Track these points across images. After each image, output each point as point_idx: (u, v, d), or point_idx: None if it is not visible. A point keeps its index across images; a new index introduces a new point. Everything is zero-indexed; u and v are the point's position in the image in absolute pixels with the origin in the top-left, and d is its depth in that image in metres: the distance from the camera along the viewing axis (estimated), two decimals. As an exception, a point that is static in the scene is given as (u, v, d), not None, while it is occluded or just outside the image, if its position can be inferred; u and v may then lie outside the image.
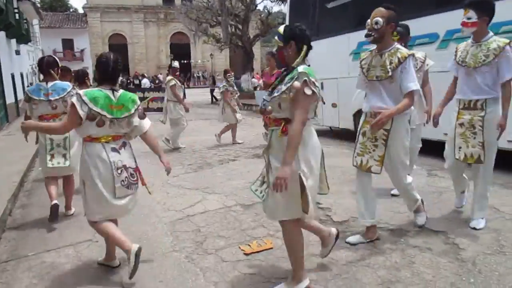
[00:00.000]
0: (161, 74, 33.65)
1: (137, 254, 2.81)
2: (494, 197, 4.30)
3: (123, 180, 2.92)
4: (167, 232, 3.82)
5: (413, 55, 3.21)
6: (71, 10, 52.23)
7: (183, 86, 8.87)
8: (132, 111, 2.95)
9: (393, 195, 4.44)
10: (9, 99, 13.37)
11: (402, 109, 3.09)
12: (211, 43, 26.22)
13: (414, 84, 3.09)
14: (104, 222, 2.97)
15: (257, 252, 3.28)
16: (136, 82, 28.03)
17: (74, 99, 2.82)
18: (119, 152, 2.93)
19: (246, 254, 3.26)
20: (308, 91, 2.40)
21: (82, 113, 2.78)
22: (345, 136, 8.56)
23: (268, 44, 53.27)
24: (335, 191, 4.33)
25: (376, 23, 3.12)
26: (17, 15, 15.44)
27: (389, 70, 3.13)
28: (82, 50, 41.46)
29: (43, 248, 3.61)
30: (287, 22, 10.32)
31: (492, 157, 3.48)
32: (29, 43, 22.05)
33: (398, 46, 3.24)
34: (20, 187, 5.70)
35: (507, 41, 3.29)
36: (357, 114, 7.88)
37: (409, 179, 3.47)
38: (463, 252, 3.10)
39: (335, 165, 5.78)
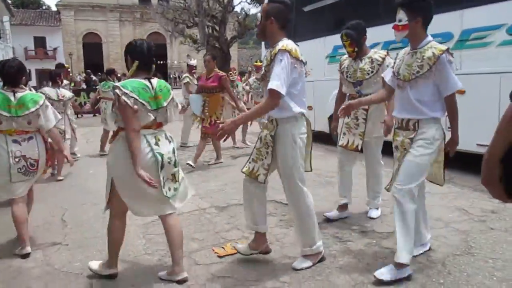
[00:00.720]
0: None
1: None
2: (463, 199, 4.42)
3: (19, 168, 3.40)
4: (140, 235, 3.76)
5: (289, 53, 2.72)
6: (43, 7, 51.01)
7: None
8: (32, 110, 3.42)
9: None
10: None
11: (259, 111, 2.85)
12: (188, 44, 26.07)
13: (275, 83, 2.64)
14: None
15: (231, 254, 3.26)
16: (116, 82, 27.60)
17: None
18: (20, 144, 3.41)
19: (220, 257, 3.24)
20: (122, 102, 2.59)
21: None
22: (320, 138, 8.62)
23: (245, 46, 53.40)
24: (311, 192, 4.34)
25: (257, 18, 2.97)
26: (-14, 11, 14.97)
27: (264, 70, 2.90)
28: (55, 49, 40.53)
29: (9, 252, 3.49)
30: (264, 25, 10.35)
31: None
32: (-1, 40, 21.42)
33: (280, 46, 2.76)
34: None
35: (444, 48, 2.73)
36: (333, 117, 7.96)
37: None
38: (433, 253, 3.16)
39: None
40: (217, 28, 23.68)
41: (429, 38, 2.81)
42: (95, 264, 3.01)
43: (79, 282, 2.93)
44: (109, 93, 7.53)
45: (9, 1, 23.26)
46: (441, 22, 5.61)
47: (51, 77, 6.59)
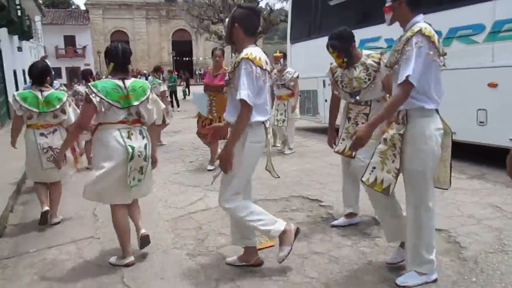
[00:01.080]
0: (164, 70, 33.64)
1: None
2: (496, 196, 4.30)
3: (48, 157, 3.92)
4: (169, 230, 3.82)
5: (252, 61, 2.65)
6: (73, 7, 52.22)
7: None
8: (57, 106, 3.96)
9: None
10: (11, 95, 13.38)
11: (240, 124, 2.70)
12: (213, 40, 26.20)
13: (244, 93, 2.60)
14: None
15: (259, 249, 3.26)
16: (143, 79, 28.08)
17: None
18: (46, 137, 3.95)
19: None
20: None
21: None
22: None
23: (270, 41, 53.25)
24: (337, 189, 4.31)
25: (224, 24, 2.99)
26: (19, 12, 15.42)
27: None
28: (84, 47, 41.48)
29: (45, 245, 3.62)
30: (289, 20, 10.31)
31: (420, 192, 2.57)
32: (31, 40, 22.06)
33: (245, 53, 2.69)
34: (22, 184, 5.71)
35: (417, 29, 2.43)
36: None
37: (231, 203, 2.85)
38: (464, 251, 3.09)
39: (337, 163, 5.76)
40: (242, 24, 23.72)
41: (416, 19, 2.51)
42: (113, 259, 3.18)
43: (111, 275, 3.01)
44: (157, 89, 8.03)
45: (40, 1, 23.90)
46: (472, 13, 5.49)
47: (83, 75, 7.00)
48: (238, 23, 2.74)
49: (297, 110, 7.40)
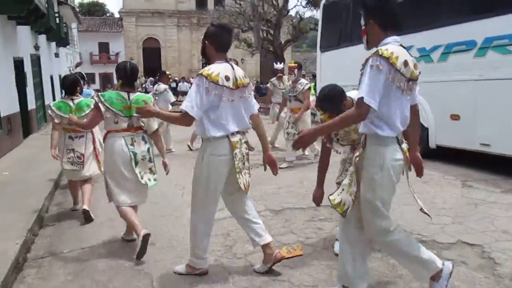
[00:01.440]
0: (193, 77, 34.11)
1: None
2: (534, 211, 4.14)
3: (68, 158, 4.43)
4: (197, 235, 3.85)
5: (205, 77, 2.78)
6: (107, 14, 53.73)
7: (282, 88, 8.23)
8: (87, 112, 4.35)
9: None
10: (48, 99, 13.87)
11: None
12: (242, 48, 26.40)
13: (184, 104, 2.82)
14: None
15: (287, 258, 3.26)
16: (173, 85, 28.47)
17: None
18: (73, 140, 4.45)
19: (285, 258, 3.19)
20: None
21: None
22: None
23: (299, 50, 53.18)
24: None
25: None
26: (57, 19, 16.01)
27: None
28: (117, 54, 42.51)
29: (78, 245, 3.72)
30: (319, 28, 10.28)
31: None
32: (68, 46, 22.81)
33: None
34: (57, 185, 5.90)
35: (377, 50, 2.29)
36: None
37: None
38: (499, 267, 2.99)
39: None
40: (272, 32, 23.78)
41: (386, 40, 2.34)
42: (179, 268, 3.14)
43: (141, 277, 3.07)
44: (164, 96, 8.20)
45: (77, 10, 24.72)
46: (508, 23, 5.34)
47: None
48: (208, 40, 2.91)
49: (309, 120, 7.01)
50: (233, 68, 2.91)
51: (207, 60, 2.99)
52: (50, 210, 4.87)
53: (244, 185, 2.99)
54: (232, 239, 3.74)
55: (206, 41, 2.92)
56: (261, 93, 19.47)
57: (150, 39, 45.08)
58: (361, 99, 2.20)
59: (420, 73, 2.45)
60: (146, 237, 3.29)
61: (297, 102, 6.69)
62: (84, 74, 7.10)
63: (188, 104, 2.75)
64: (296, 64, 6.75)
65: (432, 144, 6.73)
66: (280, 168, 6.59)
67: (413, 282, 2.83)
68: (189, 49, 45.84)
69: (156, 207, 4.51)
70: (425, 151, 6.97)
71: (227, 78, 2.82)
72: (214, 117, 2.83)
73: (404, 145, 2.45)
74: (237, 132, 2.93)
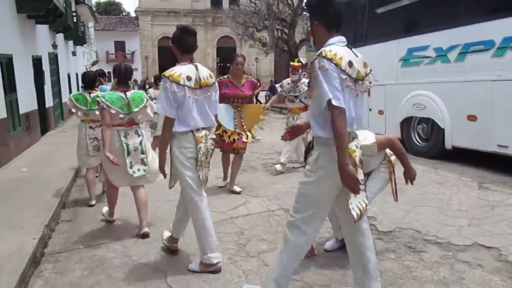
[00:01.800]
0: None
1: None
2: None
3: (94, 146, 4.84)
4: (211, 233, 3.88)
5: (168, 78, 2.97)
6: (124, 13, 54.27)
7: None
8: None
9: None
10: (65, 97, 14.08)
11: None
12: (257, 47, 26.40)
13: (156, 106, 3.20)
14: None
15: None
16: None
17: None
18: (94, 129, 4.86)
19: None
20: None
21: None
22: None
23: (313, 49, 53.00)
24: (380, 200, 4.22)
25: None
26: (74, 18, 16.23)
27: None
28: (132, 52, 42.95)
29: (94, 242, 3.78)
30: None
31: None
32: (85, 45, 23.12)
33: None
34: (73, 182, 5.99)
35: (320, 52, 2.25)
36: (405, 122, 7.69)
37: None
38: (519, 271, 2.95)
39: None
40: (286, 31, 23.74)
41: (331, 40, 2.30)
42: (192, 265, 3.18)
43: (155, 274, 3.10)
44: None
45: (94, 9, 25.03)
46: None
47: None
48: (174, 43, 3.13)
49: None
50: (197, 69, 3.11)
51: (176, 61, 3.18)
52: (67, 206, 4.95)
53: (202, 178, 3.15)
54: (245, 237, 3.76)
55: (171, 44, 3.15)
56: (274, 92, 19.43)
57: (166, 38, 45.32)
58: (330, 103, 2.10)
59: (370, 71, 2.37)
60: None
61: (297, 103, 6.47)
62: (105, 71, 7.23)
63: (159, 106, 3.01)
64: (299, 64, 6.52)
65: (448, 145, 6.64)
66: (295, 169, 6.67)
67: (428, 283, 2.81)
68: (204, 48, 45.93)
69: (172, 205, 4.53)
70: (441, 152, 6.92)
71: (188, 78, 3.02)
72: (180, 114, 3.03)
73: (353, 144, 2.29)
74: (203, 128, 3.14)
